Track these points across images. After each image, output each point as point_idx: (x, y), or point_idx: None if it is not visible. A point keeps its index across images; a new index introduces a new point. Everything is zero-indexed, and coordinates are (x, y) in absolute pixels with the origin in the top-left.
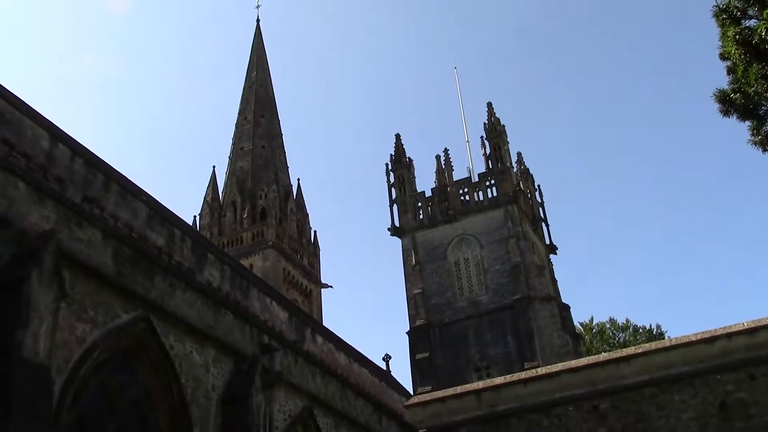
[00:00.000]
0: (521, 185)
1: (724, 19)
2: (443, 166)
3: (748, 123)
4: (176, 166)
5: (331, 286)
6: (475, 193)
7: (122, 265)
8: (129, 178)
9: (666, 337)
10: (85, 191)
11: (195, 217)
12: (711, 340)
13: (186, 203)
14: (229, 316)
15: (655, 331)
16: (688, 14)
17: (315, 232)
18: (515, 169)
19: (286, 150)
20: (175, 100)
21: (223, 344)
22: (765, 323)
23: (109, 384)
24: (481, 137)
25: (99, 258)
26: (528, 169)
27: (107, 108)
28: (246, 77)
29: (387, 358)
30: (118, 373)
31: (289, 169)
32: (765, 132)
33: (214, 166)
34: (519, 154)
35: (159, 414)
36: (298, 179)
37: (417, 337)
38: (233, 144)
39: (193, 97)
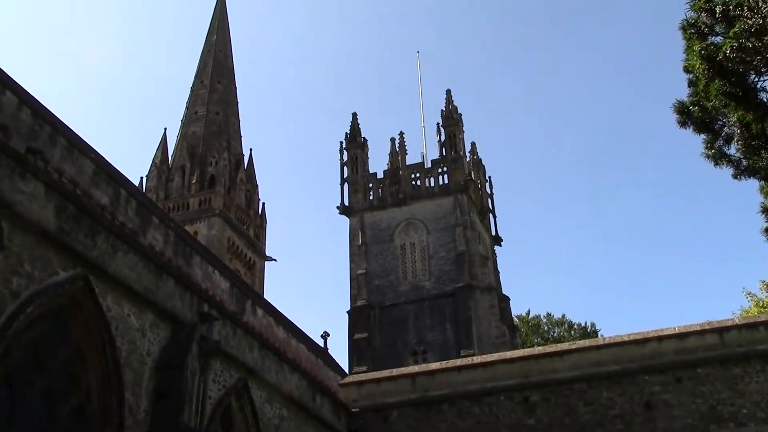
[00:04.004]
0: (473, 175)
1: (691, 33)
2: (397, 149)
3: (703, 136)
4: (126, 125)
5: (275, 260)
6: (427, 179)
7: (64, 222)
8: (77, 132)
9: (599, 336)
10: (30, 142)
11: (142, 178)
12: (642, 341)
13: (134, 164)
14: (170, 282)
15: (589, 328)
16: (651, 19)
17: (263, 204)
18: (468, 159)
19: (240, 118)
20: (131, 57)
21: (161, 310)
22: (695, 329)
23: (41, 341)
24: (438, 124)
25: (40, 212)
26: (481, 159)
27: (58, 58)
28: (205, 41)
29: (325, 336)
30: (52, 332)
31: (242, 139)
32: (718, 146)
33: (165, 129)
34: (473, 144)
35: (91, 375)
36: (251, 149)
37: (357, 318)
38: (187, 108)
39: (150, 57)
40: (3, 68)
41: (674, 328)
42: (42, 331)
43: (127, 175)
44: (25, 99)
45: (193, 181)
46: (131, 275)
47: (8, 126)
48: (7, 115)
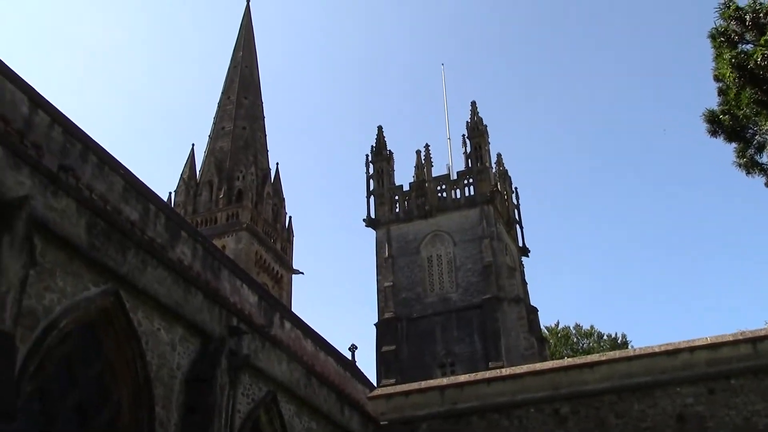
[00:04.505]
0: (498, 186)
1: (721, 41)
2: (423, 162)
3: (734, 145)
4: (155, 141)
5: (303, 273)
6: (453, 191)
7: (95, 238)
8: (107, 149)
9: (630, 347)
10: (62, 160)
11: (170, 193)
12: (674, 352)
13: (162, 179)
14: (198, 296)
15: (619, 339)
16: (679, 28)
17: (290, 217)
18: (494, 170)
19: (267, 133)
20: (159, 74)
21: (191, 324)
22: (727, 339)
23: (73, 356)
24: (463, 135)
25: (72, 228)
26: (507, 170)
27: (89, 75)
28: (232, 57)
29: (353, 349)
30: (83, 346)
31: (269, 153)
32: (750, 155)
33: (193, 144)
34: (499, 155)
35: (122, 389)
36: (277, 163)
37: (384, 330)
38: (214, 123)
39: (178, 73)
40: (36, 88)
41: (706, 339)
42: (74, 346)
43: (156, 191)
44: (57, 118)
45: (221, 196)
46: (161, 290)
47: (41, 144)
48: (40, 134)
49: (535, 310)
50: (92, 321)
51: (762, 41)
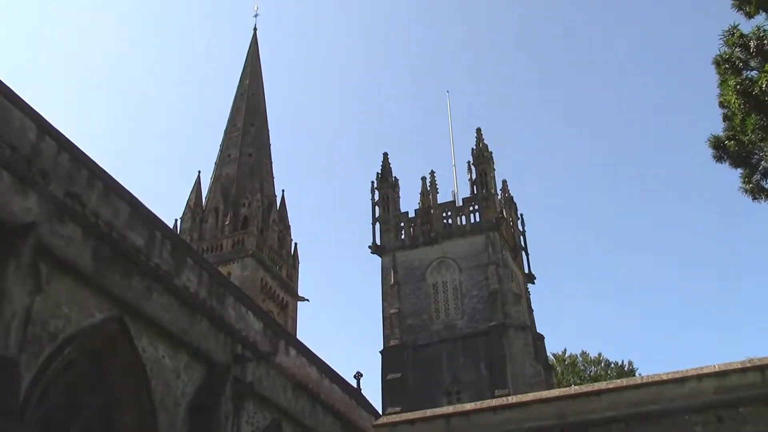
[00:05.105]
0: (504, 213)
1: (725, 68)
2: (428, 188)
3: (740, 170)
4: (162, 168)
5: (308, 300)
6: (458, 218)
7: (101, 264)
8: (113, 176)
9: (637, 374)
10: (69, 186)
11: (176, 220)
12: (682, 380)
13: (168, 206)
14: (204, 323)
15: (626, 367)
16: (684, 57)
17: (296, 244)
18: (499, 196)
19: (273, 160)
20: (166, 101)
21: (196, 351)
22: (735, 367)
23: (78, 383)
24: (468, 162)
25: (78, 255)
26: (512, 197)
27: (97, 101)
28: (239, 84)
29: (358, 376)
30: (88, 373)
31: (275, 180)
32: (756, 180)
33: (199, 171)
34: (504, 182)
35: (126, 417)
36: (283, 190)
37: (390, 357)
38: (221, 150)
39: (185, 100)
40: (43, 115)
41: (714, 366)
42: (79, 373)
43: (161, 218)
44: (64, 144)
45: (227, 223)
46: (166, 316)
47: (48, 171)
48: (47, 160)
49: (541, 338)
50: (97, 348)
51: (766, 68)
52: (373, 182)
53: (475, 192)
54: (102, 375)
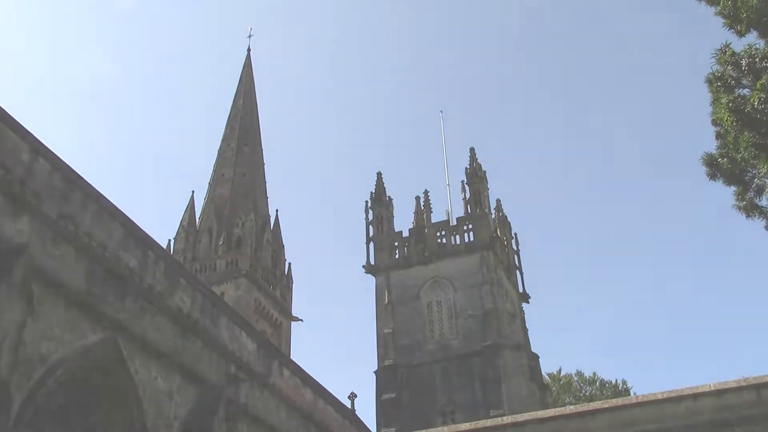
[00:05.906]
0: (498, 232)
1: (718, 86)
2: (422, 208)
3: (733, 188)
4: (155, 189)
5: (302, 320)
6: (453, 237)
7: (93, 285)
8: (106, 197)
9: (632, 394)
10: (62, 208)
11: (170, 240)
12: (677, 399)
13: (162, 226)
14: (197, 344)
15: (620, 386)
16: (678, 76)
17: (289, 264)
18: (493, 216)
19: (266, 179)
20: (160, 122)
21: (189, 372)
22: (731, 386)
23: (70, 405)
24: (462, 181)
25: (71, 276)
26: (506, 216)
27: (91, 123)
28: (232, 104)
29: (352, 397)
30: (80, 395)
31: (269, 199)
32: (749, 198)
33: (193, 191)
34: (498, 201)
35: None
36: (277, 210)
37: (384, 377)
38: (214, 170)
39: (179, 120)
40: (36, 135)
41: (710, 386)
42: (71, 395)
43: (155, 238)
44: (57, 165)
45: (220, 243)
46: (159, 337)
47: (41, 192)
48: (40, 181)
49: (536, 357)
50: (89, 369)
51: (758, 86)
52: (367, 202)
53: (469, 211)
54: (94, 397)
